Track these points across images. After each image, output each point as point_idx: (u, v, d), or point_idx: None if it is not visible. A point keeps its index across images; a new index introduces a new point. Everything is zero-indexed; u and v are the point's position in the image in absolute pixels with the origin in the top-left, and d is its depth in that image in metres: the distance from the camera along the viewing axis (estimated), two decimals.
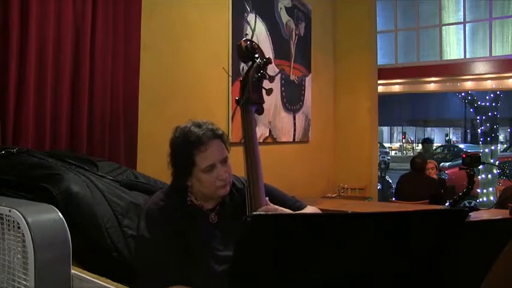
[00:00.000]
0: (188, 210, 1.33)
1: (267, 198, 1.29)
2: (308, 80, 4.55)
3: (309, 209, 1.45)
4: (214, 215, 1.35)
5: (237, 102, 1.38)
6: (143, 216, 1.33)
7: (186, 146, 1.27)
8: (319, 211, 1.44)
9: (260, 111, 1.39)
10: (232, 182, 1.37)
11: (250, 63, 1.40)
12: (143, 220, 1.31)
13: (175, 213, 1.30)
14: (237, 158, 1.38)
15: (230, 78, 3.16)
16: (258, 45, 1.43)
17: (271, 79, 1.38)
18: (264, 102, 1.39)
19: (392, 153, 22.36)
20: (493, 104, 11.90)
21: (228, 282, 0.71)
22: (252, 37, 3.52)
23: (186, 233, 1.28)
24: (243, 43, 1.40)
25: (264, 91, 1.38)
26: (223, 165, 1.30)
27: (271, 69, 3.81)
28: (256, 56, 1.39)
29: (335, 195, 4.70)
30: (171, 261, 1.22)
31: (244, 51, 1.40)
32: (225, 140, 1.33)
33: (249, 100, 1.34)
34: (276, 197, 1.40)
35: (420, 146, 9.27)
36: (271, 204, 1.28)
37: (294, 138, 4.28)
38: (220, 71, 3.06)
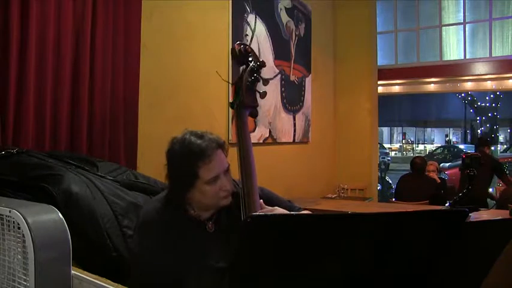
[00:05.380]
0: (185, 222, 1.30)
1: (261, 200, 1.27)
2: (308, 81, 4.55)
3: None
4: (212, 224, 1.32)
5: (231, 105, 1.37)
6: (138, 229, 1.32)
7: (189, 158, 1.22)
8: None
9: (254, 114, 1.39)
10: None
11: (244, 66, 1.40)
12: (138, 233, 1.31)
13: (171, 226, 1.28)
14: (234, 159, 1.37)
15: (230, 79, 3.16)
16: (251, 49, 1.43)
17: (265, 82, 1.38)
18: (258, 105, 1.39)
19: (392, 153, 22.38)
20: (493, 105, 11.91)
21: (228, 282, 0.71)
22: (252, 38, 3.53)
23: (182, 246, 1.26)
24: (236, 47, 1.41)
25: (258, 94, 1.37)
26: (226, 175, 1.28)
27: (271, 69, 3.81)
28: (250, 59, 1.40)
29: (335, 195, 4.71)
30: (166, 274, 1.21)
31: (238, 54, 1.40)
32: (226, 149, 1.31)
33: (243, 103, 1.34)
34: (273, 201, 1.37)
35: (420, 147, 9.11)
36: (267, 207, 1.26)
37: (294, 139, 4.28)
38: (220, 72, 3.06)
